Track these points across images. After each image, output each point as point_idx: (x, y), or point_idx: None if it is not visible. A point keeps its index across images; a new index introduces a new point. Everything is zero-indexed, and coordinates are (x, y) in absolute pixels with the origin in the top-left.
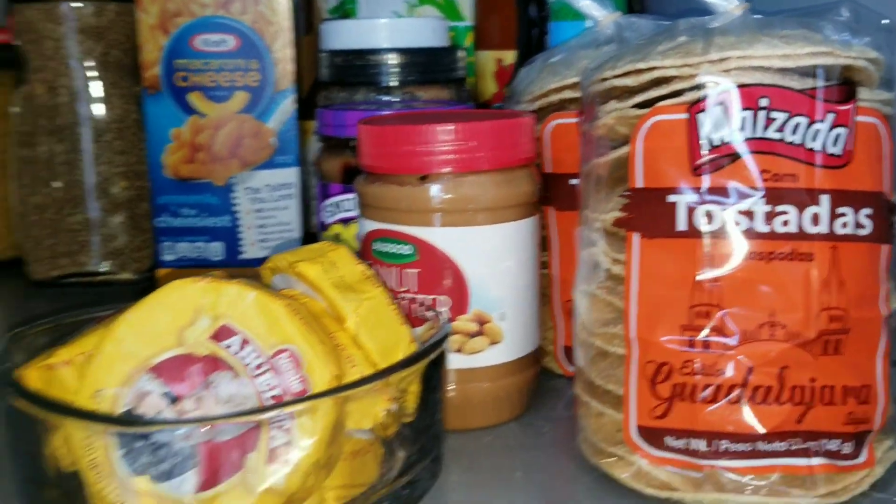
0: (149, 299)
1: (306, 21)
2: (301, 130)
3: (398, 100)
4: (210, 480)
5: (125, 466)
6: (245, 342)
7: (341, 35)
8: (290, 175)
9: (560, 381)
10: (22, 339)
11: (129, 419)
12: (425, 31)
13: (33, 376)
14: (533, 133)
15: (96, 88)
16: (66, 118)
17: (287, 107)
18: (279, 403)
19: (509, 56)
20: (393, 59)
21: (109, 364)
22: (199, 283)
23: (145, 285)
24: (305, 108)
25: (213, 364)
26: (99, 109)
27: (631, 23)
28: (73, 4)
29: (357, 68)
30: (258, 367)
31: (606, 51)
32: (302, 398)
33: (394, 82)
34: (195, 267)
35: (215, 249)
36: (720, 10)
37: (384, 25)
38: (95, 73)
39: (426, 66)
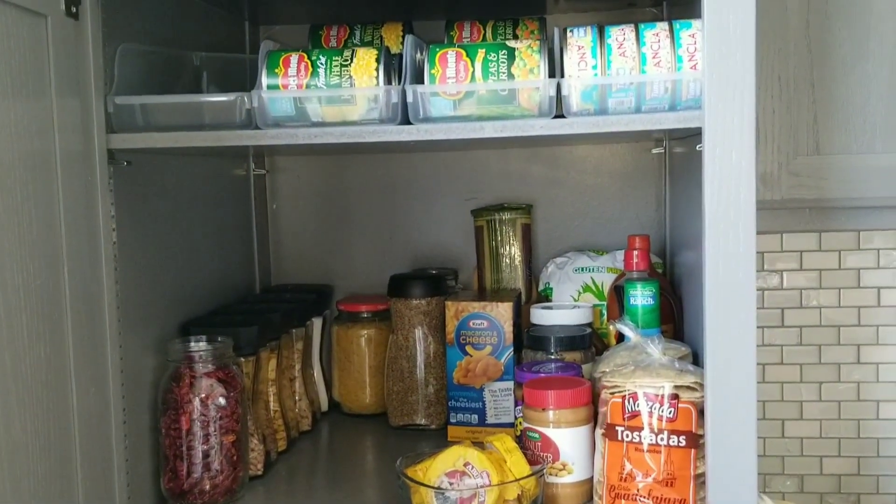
0: (445, 451)
1: (527, 293)
2: (517, 360)
3: (554, 358)
4: None
5: None
6: (473, 467)
7: (535, 317)
8: (510, 385)
9: None
10: (409, 457)
11: (437, 488)
12: (578, 315)
13: (409, 472)
14: (591, 392)
15: (428, 339)
16: (411, 352)
17: (508, 353)
18: (479, 487)
19: None
20: (554, 338)
21: (432, 472)
22: (461, 446)
23: (442, 430)
24: (520, 349)
25: (462, 474)
26: (427, 349)
27: (643, 340)
28: (415, 301)
29: (536, 342)
30: (478, 474)
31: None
32: (485, 486)
33: (553, 350)
34: (465, 425)
35: (474, 417)
36: (653, 354)
37: (556, 313)
38: (426, 332)
39: (569, 343)
